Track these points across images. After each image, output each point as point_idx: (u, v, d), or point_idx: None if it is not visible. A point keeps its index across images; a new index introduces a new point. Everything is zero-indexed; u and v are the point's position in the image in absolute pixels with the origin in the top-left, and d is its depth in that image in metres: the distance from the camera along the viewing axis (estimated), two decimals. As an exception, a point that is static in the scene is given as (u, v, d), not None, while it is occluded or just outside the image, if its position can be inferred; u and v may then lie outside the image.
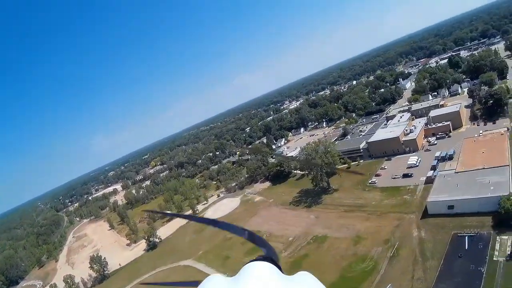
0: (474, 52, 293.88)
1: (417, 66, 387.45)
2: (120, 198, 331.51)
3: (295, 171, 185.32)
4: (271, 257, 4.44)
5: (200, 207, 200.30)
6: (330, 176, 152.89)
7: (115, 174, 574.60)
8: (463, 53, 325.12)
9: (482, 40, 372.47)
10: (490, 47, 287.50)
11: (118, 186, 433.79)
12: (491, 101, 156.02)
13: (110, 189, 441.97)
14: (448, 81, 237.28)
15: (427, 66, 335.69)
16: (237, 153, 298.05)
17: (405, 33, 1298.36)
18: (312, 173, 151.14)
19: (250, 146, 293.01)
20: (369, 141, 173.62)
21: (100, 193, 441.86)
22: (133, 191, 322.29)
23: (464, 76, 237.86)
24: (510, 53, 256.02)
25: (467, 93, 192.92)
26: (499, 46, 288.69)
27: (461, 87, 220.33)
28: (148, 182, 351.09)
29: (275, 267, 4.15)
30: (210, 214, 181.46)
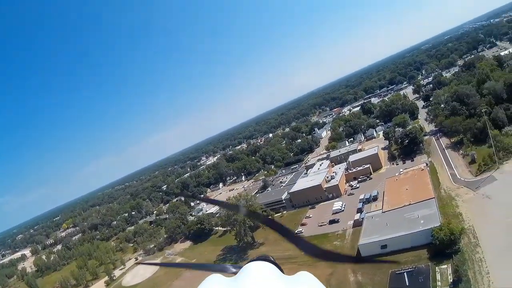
0: (384, 98, 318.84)
1: (331, 115, 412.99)
2: (29, 265, 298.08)
3: (217, 228, 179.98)
4: (271, 257, 4.68)
5: (117, 272, 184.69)
6: (254, 230, 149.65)
7: (23, 238, 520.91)
8: (374, 100, 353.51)
9: (391, 87, 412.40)
10: (399, 92, 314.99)
11: (26, 251, 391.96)
12: (407, 141, 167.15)
13: (18, 254, 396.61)
14: (363, 126, 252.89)
15: (341, 114, 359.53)
16: (154, 212, 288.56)
17: (316, 86, 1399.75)
18: (235, 228, 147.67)
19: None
20: (290, 191, 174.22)
21: (6, 259, 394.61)
22: (43, 257, 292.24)
23: (377, 121, 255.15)
24: (418, 95, 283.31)
25: (383, 135, 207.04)
26: (407, 91, 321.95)
27: (376, 131, 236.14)
28: (59, 247, 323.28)
29: (275, 267, 4.35)
30: (129, 279, 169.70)
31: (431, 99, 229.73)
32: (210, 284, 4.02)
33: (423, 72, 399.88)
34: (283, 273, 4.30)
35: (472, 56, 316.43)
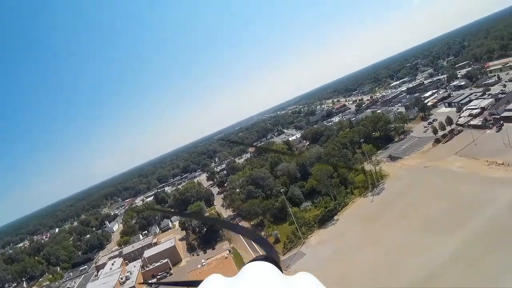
0: (178, 186, 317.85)
1: (124, 207, 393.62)
2: None
3: None
4: (271, 257, 4.87)
5: None
6: None
7: None
8: (168, 189, 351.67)
9: (185, 175, 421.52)
10: (194, 180, 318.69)
11: None
12: (205, 229, 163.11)
13: None
14: (157, 217, 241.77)
15: (134, 205, 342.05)
16: None
17: (108, 175, 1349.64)
18: None
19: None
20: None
21: None
22: None
23: (172, 210, 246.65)
24: (213, 182, 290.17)
25: (179, 225, 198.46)
26: (202, 178, 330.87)
27: (171, 221, 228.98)
28: None
29: (275, 267, 4.48)
30: None
31: (226, 184, 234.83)
32: (210, 284, 4.15)
33: (217, 160, 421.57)
34: (283, 273, 4.41)
35: (262, 143, 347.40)
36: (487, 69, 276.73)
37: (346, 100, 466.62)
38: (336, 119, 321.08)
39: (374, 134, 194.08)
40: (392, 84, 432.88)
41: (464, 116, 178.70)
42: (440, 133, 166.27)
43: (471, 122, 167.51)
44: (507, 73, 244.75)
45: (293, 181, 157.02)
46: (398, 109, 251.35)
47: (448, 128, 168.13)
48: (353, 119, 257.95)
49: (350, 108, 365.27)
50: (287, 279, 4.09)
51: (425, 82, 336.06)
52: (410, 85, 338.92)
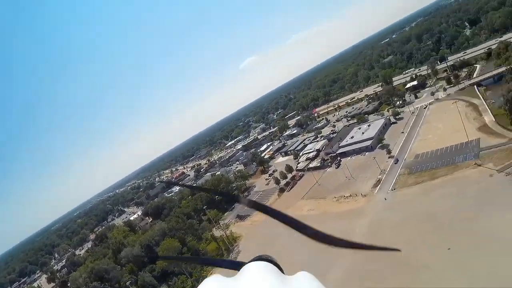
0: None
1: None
2: None
3: None
4: (271, 257, 4.64)
5: None
6: None
7: None
8: None
9: (23, 280, 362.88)
10: (33, 285, 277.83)
11: None
12: None
13: None
14: None
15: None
16: None
17: None
18: None
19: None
20: None
21: None
22: None
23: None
24: (54, 283, 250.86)
25: None
26: (42, 281, 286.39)
27: None
28: None
29: (275, 267, 4.34)
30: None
31: (69, 284, 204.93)
32: (210, 284, 3.99)
33: (56, 256, 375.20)
34: (283, 273, 4.17)
35: (103, 227, 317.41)
36: (315, 115, 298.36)
37: (184, 168, 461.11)
38: (176, 188, 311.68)
39: (217, 197, 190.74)
40: (228, 144, 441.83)
41: (302, 161, 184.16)
42: (283, 182, 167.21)
43: (310, 165, 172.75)
44: (334, 115, 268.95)
45: (142, 267, 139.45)
46: (237, 167, 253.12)
47: (289, 176, 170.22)
48: (194, 185, 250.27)
49: (189, 175, 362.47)
50: (286, 279, 3.96)
51: (259, 137, 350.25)
52: (245, 142, 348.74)
